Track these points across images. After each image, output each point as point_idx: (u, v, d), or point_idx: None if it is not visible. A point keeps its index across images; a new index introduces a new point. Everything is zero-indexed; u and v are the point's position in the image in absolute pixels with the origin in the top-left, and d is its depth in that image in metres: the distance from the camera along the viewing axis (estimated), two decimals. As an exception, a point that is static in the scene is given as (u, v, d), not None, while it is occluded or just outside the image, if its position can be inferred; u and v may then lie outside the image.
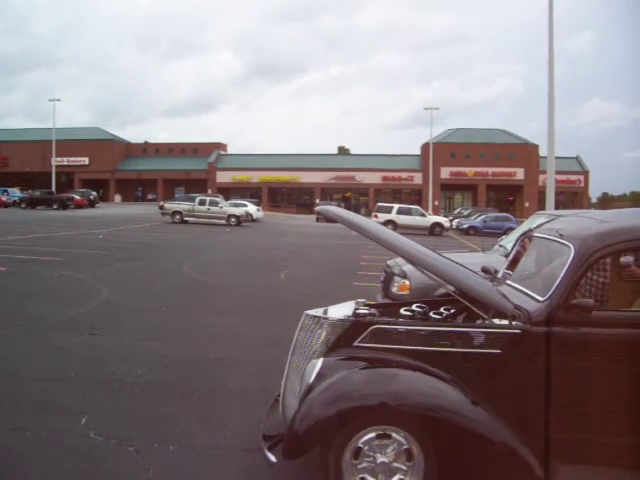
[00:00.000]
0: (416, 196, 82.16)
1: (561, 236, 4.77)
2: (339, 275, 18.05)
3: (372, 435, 4.21)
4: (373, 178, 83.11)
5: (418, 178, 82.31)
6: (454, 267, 5.17)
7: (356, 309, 5.01)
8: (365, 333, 4.49)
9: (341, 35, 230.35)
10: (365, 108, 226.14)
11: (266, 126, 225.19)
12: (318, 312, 4.93)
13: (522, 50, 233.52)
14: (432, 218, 47.75)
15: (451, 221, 50.69)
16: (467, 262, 8.19)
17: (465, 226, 48.39)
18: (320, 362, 4.45)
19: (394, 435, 4.21)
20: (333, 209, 5.12)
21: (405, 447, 4.20)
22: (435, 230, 44.99)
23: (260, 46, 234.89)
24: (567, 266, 4.39)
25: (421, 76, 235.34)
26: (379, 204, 49.63)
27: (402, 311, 5.08)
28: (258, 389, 6.65)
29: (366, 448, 4.21)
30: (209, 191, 75.47)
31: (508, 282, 5.32)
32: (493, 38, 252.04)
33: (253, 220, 49.17)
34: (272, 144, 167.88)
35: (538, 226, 5.78)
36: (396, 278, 8.90)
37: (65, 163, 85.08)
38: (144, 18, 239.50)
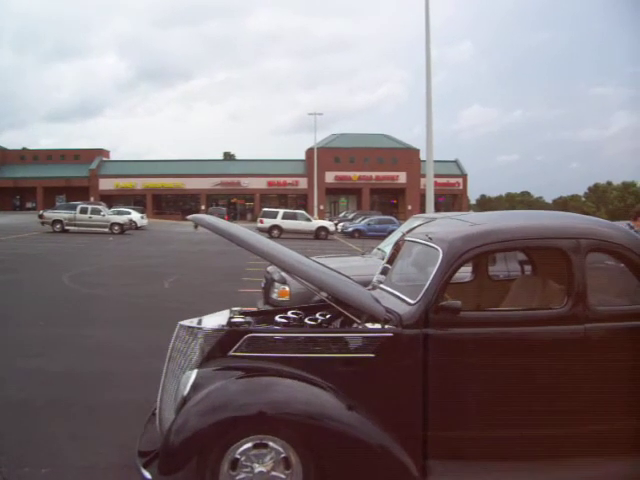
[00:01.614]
0: (302, 201, 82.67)
1: (430, 239, 4.88)
2: (224, 282, 17.94)
3: (249, 445, 4.17)
4: (259, 183, 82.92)
5: (303, 183, 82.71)
6: (326, 273, 5.20)
7: (231, 318, 4.95)
8: (240, 342, 4.45)
9: (228, 40, 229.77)
10: (252, 113, 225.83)
11: (152, 132, 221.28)
12: (192, 322, 4.86)
13: (406, 57, 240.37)
14: (317, 222, 48.09)
15: (336, 225, 51.20)
16: (346, 266, 8.35)
17: (350, 229, 49.04)
18: (195, 373, 4.38)
19: (271, 444, 4.19)
20: (207, 218, 5.05)
21: (283, 455, 4.19)
22: (320, 234, 45.33)
23: (146, 50, 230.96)
24: (436, 269, 4.50)
25: (308, 81, 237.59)
26: (264, 209, 49.61)
27: (277, 318, 5.06)
28: (139, 402, 6.45)
29: (243, 459, 4.17)
30: (91, 199, 73.24)
31: (382, 286, 5.41)
32: (378, 45, 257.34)
33: (137, 228, 48.09)
34: (158, 150, 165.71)
35: (410, 230, 5.90)
36: (276, 284, 8.90)
37: None
38: (22, 16, 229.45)
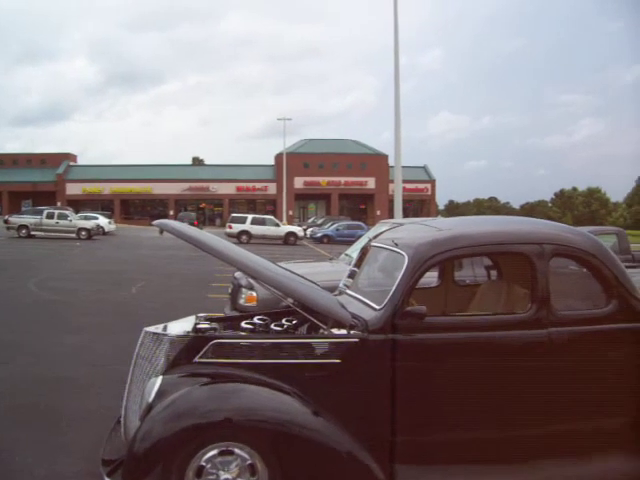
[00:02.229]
0: (271, 206, 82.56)
1: (396, 245, 4.91)
2: (193, 287, 17.85)
3: (215, 452, 4.15)
4: (227, 189, 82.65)
5: (272, 188, 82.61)
6: (292, 279, 5.19)
7: (196, 324, 4.91)
8: (206, 348, 4.42)
9: (200, 44, 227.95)
10: (222, 118, 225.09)
11: (122, 136, 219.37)
12: (157, 329, 4.81)
13: (377, 63, 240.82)
14: (286, 228, 48.05)
15: (305, 230, 51.20)
16: (313, 272, 8.35)
17: (319, 235, 49.01)
18: (160, 380, 4.34)
19: (237, 451, 4.17)
20: (172, 223, 5.02)
21: (249, 462, 4.17)
22: (289, 239, 45.30)
23: (117, 54, 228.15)
24: (401, 274, 4.52)
25: (279, 86, 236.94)
26: (233, 215, 49.45)
27: (243, 324, 5.04)
28: (104, 410, 6.40)
29: (209, 466, 4.14)
30: (58, 204, 72.41)
31: (348, 292, 5.42)
32: (349, 51, 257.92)
33: (105, 233, 47.70)
34: (127, 155, 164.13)
35: (376, 235, 5.92)
36: (243, 290, 8.87)
37: None
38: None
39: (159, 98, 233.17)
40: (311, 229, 53.39)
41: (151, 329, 4.78)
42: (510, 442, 4.56)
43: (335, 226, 50.05)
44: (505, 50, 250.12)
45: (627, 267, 9.54)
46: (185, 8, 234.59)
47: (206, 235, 5.12)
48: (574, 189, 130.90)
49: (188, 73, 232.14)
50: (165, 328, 4.85)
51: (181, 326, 4.90)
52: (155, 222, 5.03)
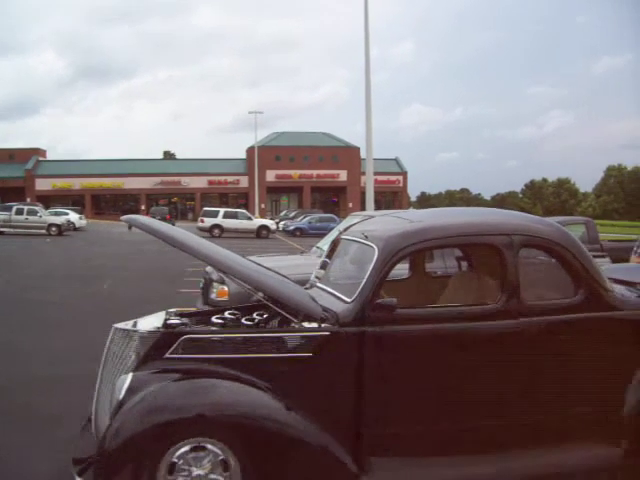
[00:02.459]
0: (243, 199, 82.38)
1: (366, 237, 4.91)
2: (165, 282, 17.76)
3: (187, 448, 4.11)
4: (199, 182, 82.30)
5: (244, 181, 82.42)
6: (262, 273, 5.18)
7: (167, 320, 4.87)
8: (176, 344, 4.37)
9: (170, 38, 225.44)
10: (194, 112, 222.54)
11: (92, 131, 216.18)
12: (127, 325, 4.75)
13: (349, 55, 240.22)
14: (258, 221, 48.04)
15: (277, 223, 51.24)
16: (285, 265, 8.33)
17: (291, 228, 49.00)
18: (130, 377, 4.28)
19: (209, 447, 4.14)
20: (140, 218, 4.97)
21: (221, 458, 4.14)
22: (262, 233, 45.28)
23: (86, 47, 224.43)
24: (371, 267, 4.52)
25: (251, 80, 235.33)
26: (205, 208, 49.35)
27: (214, 319, 5.01)
28: (75, 408, 6.29)
29: (181, 462, 4.10)
30: (27, 200, 71.55)
31: (319, 285, 5.41)
32: (321, 43, 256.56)
33: (76, 229, 47.20)
34: (98, 149, 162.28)
35: (347, 228, 5.92)
36: (214, 284, 8.82)
37: None
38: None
39: (130, 92, 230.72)
40: (283, 222, 53.40)
41: (121, 325, 4.73)
42: (484, 432, 4.61)
43: (307, 219, 50.08)
44: (476, 43, 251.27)
45: (595, 257, 9.67)
46: (156, 2, 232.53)
47: (175, 230, 5.08)
48: (544, 180, 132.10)
49: (159, 67, 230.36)
50: (135, 324, 4.80)
51: (151, 322, 4.86)
52: (123, 217, 4.98)
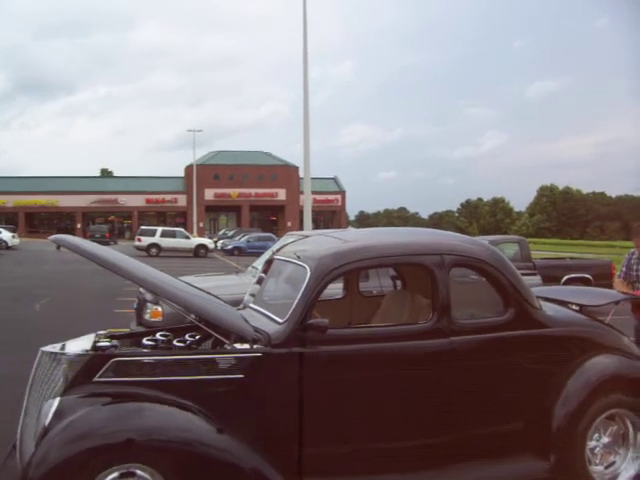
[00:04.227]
0: (181, 218, 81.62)
1: (298, 258, 4.91)
2: (99, 302, 17.42)
3: (115, 475, 4.01)
4: (137, 201, 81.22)
5: (182, 200, 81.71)
6: (193, 294, 5.12)
7: (96, 342, 4.77)
8: (105, 367, 4.26)
9: (113, 53, 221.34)
10: (135, 129, 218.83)
11: (30, 147, 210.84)
12: (55, 348, 4.63)
13: (290, 75, 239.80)
14: (196, 240, 47.69)
15: (216, 242, 50.87)
16: (219, 285, 8.27)
17: (230, 247, 48.70)
18: (57, 401, 4.15)
19: (139, 472, 4.05)
20: (69, 238, 4.87)
21: None
22: (200, 252, 44.93)
23: (25, 61, 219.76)
24: (303, 287, 4.52)
25: (194, 97, 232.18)
26: (142, 227, 48.80)
27: (145, 341, 4.93)
28: (1, 434, 6.13)
29: None
30: (-43, 218, 69.85)
31: (252, 305, 5.39)
32: (263, 62, 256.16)
33: (8, 247, 46.04)
34: (34, 166, 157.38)
35: (280, 248, 5.91)
36: (148, 304, 8.70)
37: None
38: None
39: (70, 108, 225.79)
40: (222, 241, 53.05)
41: (48, 349, 4.60)
42: (419, 450, 4.63)
43: (246, 238, 49.84)
44: (414, 62, 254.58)
45: (527, 274, 9.85)
46: (97, 16, 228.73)
47: (105, 250, 5.00)
48: (479, 199, 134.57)
49: (100, 83, 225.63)
50: (63, 347, 4.68)
51: (80, 344, 4.74)
52: (51, 237, 4.87)
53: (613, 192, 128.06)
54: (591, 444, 5.01)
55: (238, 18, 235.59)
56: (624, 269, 6.50)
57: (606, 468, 5.10)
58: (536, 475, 4.85)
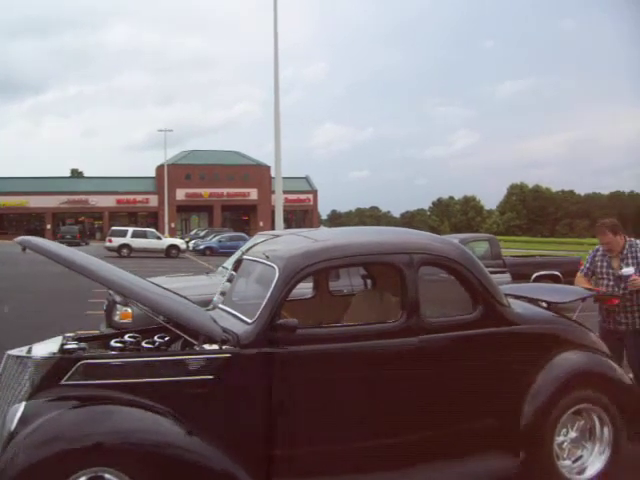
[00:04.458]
0: (152, 219, 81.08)
1: (267, 257, 4.90)
2: (70, 304, 17.22)
3: (84, 479, 3.97)
4: (107, 201, 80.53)
5: (154, 200, 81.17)
6: (162, 295, 5.09)
7: (63, 344, 4.70)
8: (73, 370, 4.21)
9: (82, 53, 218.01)
10: (106, 130, 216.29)
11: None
12: (22, 351, 4.56)
13: (262, 75, 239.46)
14: (168, 240, 47.37)
15: (187, 242, 50.63)
16: (190, 286, 8.24)
17: (201, 247, 48.55)
18: (23, 406, 4.10)
19: (107, 476, 4.00)
20: (34, 240, 4.82)
21: None
22: (171, 252, 44.61)
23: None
24: (272, 287, 4.52)
25: (165, 97, 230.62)
26: (113, 228, 48.44)
27: (112, 343, 4.88)
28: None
29: None
30: None
31: (221, 306, 5.37)
32: (235, 62, 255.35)
33: (-25, 250, 45.64)
34: (4, 167, 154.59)
35: (250, 248, 5.90)
36: (118, 306, 8.59)
37: None
38: None
39: (38, 108, 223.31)
40: (194, 241, 52.83)
41: (14, 352, 4.52)
42: (390, 449, 4.64)
43: (218, 238, 49.70)
44: (385, 63, 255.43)
45: (498, 272, 9.93)
46: (65, 15, 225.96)
47: (72, 252, 4.95)
48: (450, 198, 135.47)
49: (70, 82, 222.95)
50: (30, 350, 4.61)
51: (47, 347, 4.67)
52: (17, 239, 4.80)
53: (582, 190, 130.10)
54: (559, 439, 5.08)
55: (210, 18, 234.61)
56: (588, 265, 6.59)
57: (574, 462, 5.18)
58: (506, 471, 4.90)
